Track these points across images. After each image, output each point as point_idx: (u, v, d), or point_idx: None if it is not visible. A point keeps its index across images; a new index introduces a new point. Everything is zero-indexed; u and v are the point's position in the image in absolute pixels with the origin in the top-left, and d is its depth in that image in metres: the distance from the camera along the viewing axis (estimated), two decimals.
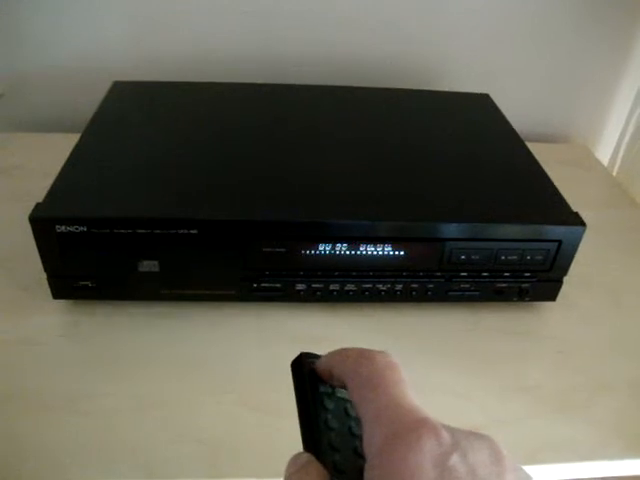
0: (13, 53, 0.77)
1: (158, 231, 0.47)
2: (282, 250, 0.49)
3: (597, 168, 0.83)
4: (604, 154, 0.91)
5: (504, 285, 0.53)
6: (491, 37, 0.80)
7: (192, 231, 0.47)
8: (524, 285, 0.53)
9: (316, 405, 0.24)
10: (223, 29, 0.77)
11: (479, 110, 0.70)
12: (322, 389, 0.25)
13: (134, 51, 0.78)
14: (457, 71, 0.83)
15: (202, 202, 0.49)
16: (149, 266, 0.48)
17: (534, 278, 0.53)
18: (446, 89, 0.75)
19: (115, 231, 0.46)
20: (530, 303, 0.56)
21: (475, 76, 0.83)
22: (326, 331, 0.52)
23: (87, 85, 0.72)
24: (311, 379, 0.26)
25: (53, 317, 0.51)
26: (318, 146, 0.59)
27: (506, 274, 0.52)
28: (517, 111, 0.72)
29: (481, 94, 0.73)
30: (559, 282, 0.54)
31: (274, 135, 0.61)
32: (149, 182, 0.52)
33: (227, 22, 0.76)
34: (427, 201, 0.52)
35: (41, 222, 0.45)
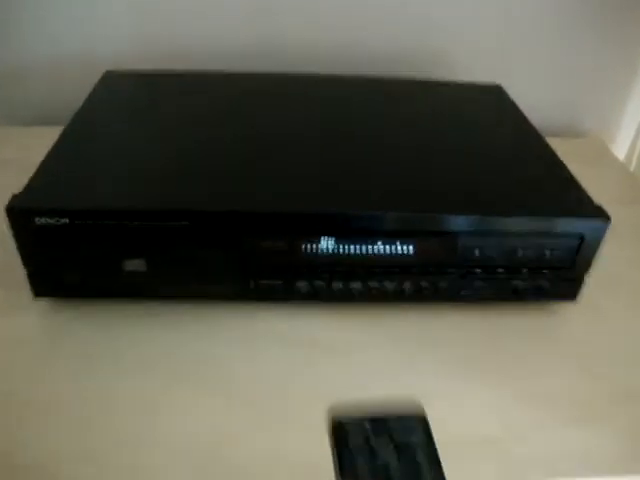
0: (7, 46, 0.75)
1: (146, 223, 0.43)
2: (282, 245, 0.46)
3: (614, 164, 0.80)
4: (621, 149, 0.88)
5: (521, 283, 0.49)
6: (505, 27, 0.78)
7: (183, 223, 0.43)
8: (543, 283, 0.49)
9: None
10: (220, 16, 0.74)
11: (492, 101, 0.67)
12: None
13: (131, 42, 0.76)
14: (468, 60, 0.80)
15: (194, 192, 0.46)
16: (136, 262, 0.45)
17: (553, 276, 0.49)
18: (456, 78, 0.72)
19: (99, 223, 0.43)
20: (549, 303, 0.52)
21: (487, 66, 0.80)
22: (329, 334, 0.48)
23: (82, 77, 0.70)
24: None
25: (35, 316, 0.48)
26: (321, 136, 0.56)
27: (523, 271, 0.49)
28: (529, 104, 0.68)
29: (493, 85, 0.70)
30: (580, 281, 0.50)
31: (272, 124, 0.57)
32: (137, 173, 0.48)
33: (224, 9, 0.74)
34: (439, 193, 0.48)
35: (19, 213, 0.42)
